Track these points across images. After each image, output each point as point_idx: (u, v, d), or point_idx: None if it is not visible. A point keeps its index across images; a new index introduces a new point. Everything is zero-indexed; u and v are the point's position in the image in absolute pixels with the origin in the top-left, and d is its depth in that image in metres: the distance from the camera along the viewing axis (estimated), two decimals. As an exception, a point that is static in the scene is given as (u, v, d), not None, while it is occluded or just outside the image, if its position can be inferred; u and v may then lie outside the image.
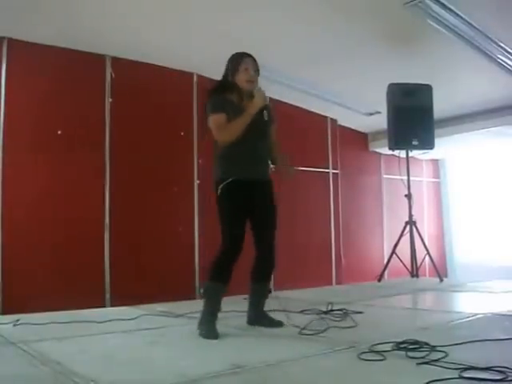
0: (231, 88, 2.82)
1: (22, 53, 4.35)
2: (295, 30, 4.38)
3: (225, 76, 2.88)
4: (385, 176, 7.93)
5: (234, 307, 2.97)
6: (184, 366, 2.00)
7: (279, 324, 2.81)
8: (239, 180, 2.74)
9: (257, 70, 2.87)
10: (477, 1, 3.78)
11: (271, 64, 5.09)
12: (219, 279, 2.70)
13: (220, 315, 2.99)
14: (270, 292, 3.02)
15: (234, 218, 2.75)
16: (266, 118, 2.81)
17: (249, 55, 2.86)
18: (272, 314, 2.93)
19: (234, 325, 2.86)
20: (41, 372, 1.94)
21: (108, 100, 4.79)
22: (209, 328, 2.59)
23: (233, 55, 2.88)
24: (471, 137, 7.03)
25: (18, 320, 2.99)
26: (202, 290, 2.74)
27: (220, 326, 2.66)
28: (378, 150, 7.75)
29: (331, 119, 6.95)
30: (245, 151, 2.76)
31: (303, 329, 2.63)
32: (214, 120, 2.73)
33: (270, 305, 3.02)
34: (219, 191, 2.75)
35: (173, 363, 2.08)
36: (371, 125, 7.25)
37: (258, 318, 2.88)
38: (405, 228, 5.56)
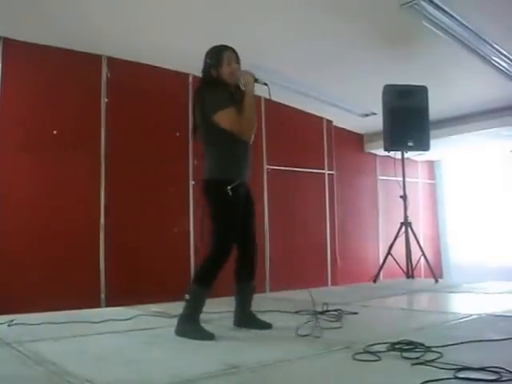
0: (218, 84, 2.73)
1: (18, 53, 4.35)
2: (292, 32, 4.40)
3: (206, 72, 2.76)
4: (380, 177, 7.95)
5: (229, 308, 2.96)
6: (179, 367, 1.99)
7: (268, 326, 2.77)
8: (241, 182, 2.70)
9: (238, 59, 2.79)
10: (472, 3, 3.80)
11: (268, 65, 5.10)
12: (209, 285, 2.63)
13: (214, 316, 2.99)
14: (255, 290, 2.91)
15: (236, 222, 2.69)
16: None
17: (229, 47, 2.78)
18: (266, 315, 2.93)
19: (229, 325, 2.85)
20: (35, 372, 1.93)
21: (104, 100, 4.79)
22: (201, 330, 2.57)
23: (212, 49, 2.78)
24: (467, 138, 7.06)
25: (12, 320, 2.97)
26: (187, 296, 2.61)
27: (214, 327, 2.66)
28: (373, 151, 7.77)
29: (327, 120, 6.96)
30: (242, 153, 2.74)
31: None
32: (228, 113, 2.62)
33: (264, 305, 3.02)
34: (229, 191, 2.61)
35: (168, 363, 2.08)
36: (367, 126, 7.28)
37: (246, 319, 2.83)
38: (400, 229, 5.58)
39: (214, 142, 2.73)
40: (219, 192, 2.64)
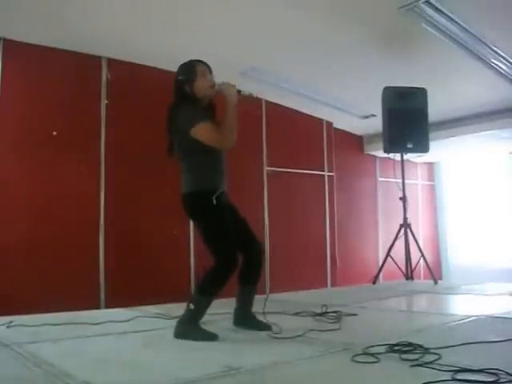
0: (191, 100, 2.69)
1: (18, 53, 4.35)
2: (291, 33, 4.40)
3: (180, 89, 2.72)
4: (380, 179, 7.95)
5: (228, 309, 2.96)
6: (178, 368, 1.99)
7: (267, 327, 2.75)
8: (223, 191, 2.70)
9: (211, 72, 2.75)
10: (471, 5, 3.81)
11: (267, 67, 5.12)
12: (215, 295, 2.61)
13: (213, 317, 2.99)
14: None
15: (230, 229, 2.66)
16: None
17: (200, 61, 2.75)
18: (266, 316, 2.92)
19: (228, 327, 2.85)
20: (34, 374, 1.93)
21: (104, 101, 4.79)
22: (203, 331, 2.58)
23: (182, 66, 2.76)
24: (466, 140, 7.08)
25: (11, 322, 2.97)
26: (192, 306, 2.57)
27: (214, 328, 2.66)
28: (373, 153, 7.78)
29: (326, 122, 6.97)
30: (219, 163, 2.73)
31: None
32: (206, 127, 2.59)
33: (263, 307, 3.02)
34: (214, 201, 2.59)
35: (167, 365, 2.08)
36: (366, 128, 7.29)
37: (246, 319, 2.83)
38: (399, 230, 5.58)
39: (192, 155, 2.70)
40: (204, 203, 2.63)
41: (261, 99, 5.87)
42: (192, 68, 2.72)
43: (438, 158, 8.78)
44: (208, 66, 2.76)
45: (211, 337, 2.53)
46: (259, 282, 2.87)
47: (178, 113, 2.68)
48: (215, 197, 2.61)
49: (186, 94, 2.71)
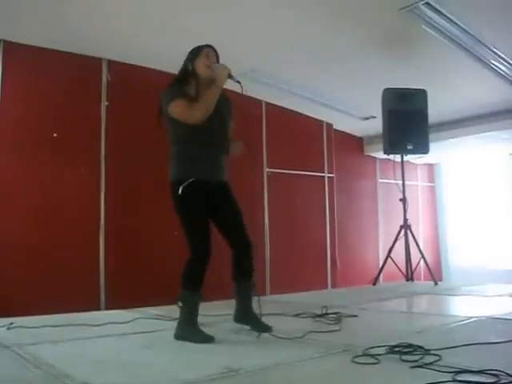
0: (189, 78, 2.73)
1: (18, 55, 4.36)
2: (291, 34, 4.40)
3: (183, 67, 2.78)
4: (380, 180, 7.95)
5: (228, 311, 2.96)
6: (178, 370, 1.99)
7: (268, 329, 2.73)
8: (199, 180, 2.65)
9: (217, 57, 2.81)
10: (471, 6, 3.81)
11: (267, 68, 5.12)
12: (196, 288, 2.61)
13: (213, 319, 2.99)
14: (255, 287, 2.84)
15: (200, 222, 2.67)
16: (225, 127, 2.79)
17: (209, 46, 2.80)
18: (266, 318, 2.92)
19: (228, 329, 2.85)
20: (34, 375, 1.93)
21: (104, 103, 4.80)
22: (200, 333, 2.57)
23: (193, 48, 2.82)
24: (466, 141, 7.07)
25: (11, 323, 2.97)
26: (180, 303, 2.59)
27: (214, 330, 2.66)
28: (373, 154, 7.78)
29: (327, 123, 6.97)
30: (204, 153, 2.70)
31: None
32: (178, 104, 2.60)
33: (264, 308, 3.02)
34: (180, 192, 2.61)
35: (166, 367, 2.08)
36: (366, 129, 7.29)
37: (246, 316, 2.81)
38: (400, 232, 5.58)
39: (172, 142, 2.76)
40: (174, 193, 2.66)
41: (261, 100, 5.89)
42: (199, 48, 2.79)
43: (438, 160, 8.78)
44: (216, 53, 2.81)
45: (207, 339, 2.51)
46: (254, 278, 2.83)
47: (162, 95, 2.71)
48: (183, 187, 2.61)
49: (188, 72, 2.75)
